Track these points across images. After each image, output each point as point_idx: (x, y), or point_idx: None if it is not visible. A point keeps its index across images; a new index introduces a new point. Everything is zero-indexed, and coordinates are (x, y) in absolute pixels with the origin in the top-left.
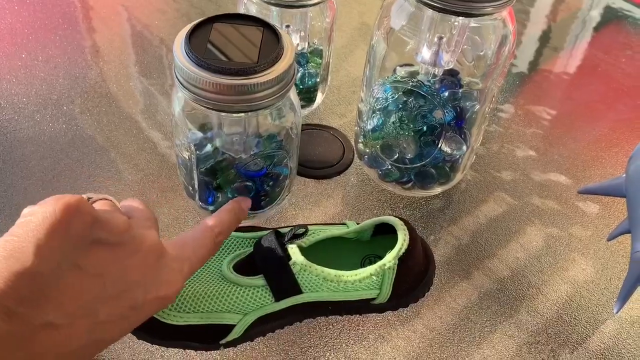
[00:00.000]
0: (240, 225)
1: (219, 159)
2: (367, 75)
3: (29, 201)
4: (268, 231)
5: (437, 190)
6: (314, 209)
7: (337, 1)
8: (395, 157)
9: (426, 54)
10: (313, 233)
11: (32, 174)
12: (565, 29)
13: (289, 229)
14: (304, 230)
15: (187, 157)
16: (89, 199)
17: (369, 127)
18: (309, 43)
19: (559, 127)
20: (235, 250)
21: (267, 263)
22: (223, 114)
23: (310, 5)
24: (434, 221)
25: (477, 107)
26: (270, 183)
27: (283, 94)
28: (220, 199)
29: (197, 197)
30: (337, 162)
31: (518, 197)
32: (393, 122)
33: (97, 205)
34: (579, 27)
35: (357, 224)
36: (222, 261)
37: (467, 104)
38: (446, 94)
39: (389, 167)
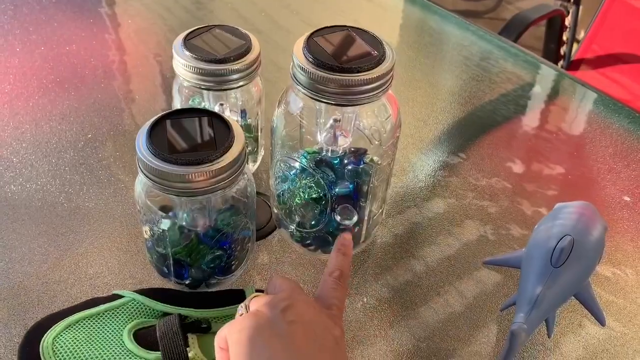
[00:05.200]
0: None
1: (191, 239)
2: (271, 147)
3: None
4: (172, 312)
5: None
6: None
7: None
8: (297, 221)
9: (323, 137)
10: (216, 324)
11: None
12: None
13: (194, 317)
14: (206, 326)
15: (161, 245)
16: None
17: (275, 193)
18: (242, 118)
19: (569, 186)
20: (138, 317)
21: (165, 344)
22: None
23: (233, 89)
24: None
25: (374, 182)
26: (238, 247)
27: (238, 175)
28: (194, 272)
29: (172, 276)
30: (265, 225)
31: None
32: (290, 190)
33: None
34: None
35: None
36: (123, 327)
37: (365, 179)
38: (350, 167)
39: (293, 229)
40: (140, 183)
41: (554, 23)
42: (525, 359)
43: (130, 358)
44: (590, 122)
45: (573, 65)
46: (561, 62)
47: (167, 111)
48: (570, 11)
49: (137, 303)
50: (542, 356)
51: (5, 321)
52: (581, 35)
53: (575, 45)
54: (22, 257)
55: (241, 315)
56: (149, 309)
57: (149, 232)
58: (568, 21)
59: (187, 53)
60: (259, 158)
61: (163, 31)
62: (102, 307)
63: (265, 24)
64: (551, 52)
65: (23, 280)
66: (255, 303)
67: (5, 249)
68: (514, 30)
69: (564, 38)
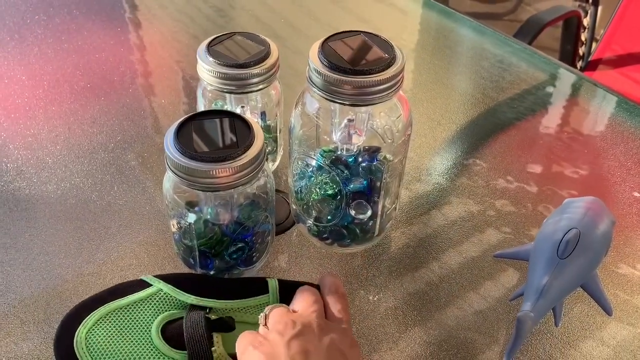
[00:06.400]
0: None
1: (215, 232)
2: (289, 146)
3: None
4: (198, 303)
5: (357, 249)
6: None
7: (286, 80)
8: (314, 216)
9: (338, 136)
10: (239, 314)
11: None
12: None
13: (218, 309)
14: (230, 325)
15: (187, 237)
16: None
17: (294, 189)
18: (262, 120)
19: (579, 183)
20: (165, 309)
21: (192, 346)
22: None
23: (253, 92)
24: (353, 278)
25: (386, 178)
26: (259, 240)
27: (258, 171)
28: (218, 263)
29: (197, 267)
30: (284, 221)
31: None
32: (307, 187)
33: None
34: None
35: (278, 281)
36: (152, 321)
37: (377, 175)
38: (364, 164)
39: (311, 224)
40: (169, 180)
41: (570, 24)
42: (534, 346)
43: (158, 356)
44: (601, 121)
45: (591, 65)
46: (580, 63)
47: (192, 113)
48: (589, 12)
49: (165, 294)
50: (550, 344)
51: (44, 308)
52: (600, 34)
53: (594, 45)
54: (59, 251)
55: (261, 324)
56: (177, 301)
57: (176, 226)
58: (587, 22)
59: (211, 59)
60: (278, 157)
61: (187, 38)
62: (131, 297)
63: (285, 29)
64: (568, 52)
65: (60, 272)
66: (272, 319)
67: (43, 242)
68: (528, 32)
69: (583, 38)
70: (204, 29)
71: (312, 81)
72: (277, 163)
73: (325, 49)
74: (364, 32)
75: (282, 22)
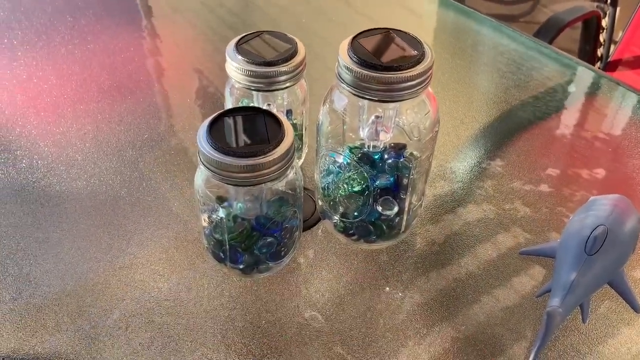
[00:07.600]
0: None
1: (245, 227)
2: (317, 143)
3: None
4: None
5: (382, 245)
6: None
7: (312, 77)
8: (340, 212)
9: (365, 132)
10: None
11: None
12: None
13: None
14: None
15: (218, 232)
16: None
17: (320, 186)
18: (288, 118)
19: (604, 183)
20: None
21: None
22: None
23: (280, 89)
24: (379, 274)
25: (413, 175)
26: (287, 235)
27: (288, 166)
28: (248, 258)
29: (227, 261)
30: (309, 217)
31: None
32: (334, 183)
33: None
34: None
35: None
36: None
37: (404, 172)
38: (390, 161)
39: (337, 220)
40: (201, 175)
41: (590, 24)
42: (562, 342)
43: None
44: (624, 119)
45: (610, 66)
46: (598, 64)
47: (224, 109)
48: (607, 12)
49: None
50: (578, 340)
51: (77, 301)
52: (619, 36)
53: (612, 47)
54: (90, 245)
55: None
56: None
57: (207, 220)
58: (605, 22)
59: (239, 57)
60: (303, 155)
61: (211, 39)
62: None
63: (305, 33)
64: (587, 53)
65: (92, 266)
66: None
67: (75, 237)
68: (548, 32)
69: (601, 39)
70: (228, 31)
71: (341, 77)
72: (302, 161)
73: (355, 46)
74: (393, 29)
75: (303, 21)
